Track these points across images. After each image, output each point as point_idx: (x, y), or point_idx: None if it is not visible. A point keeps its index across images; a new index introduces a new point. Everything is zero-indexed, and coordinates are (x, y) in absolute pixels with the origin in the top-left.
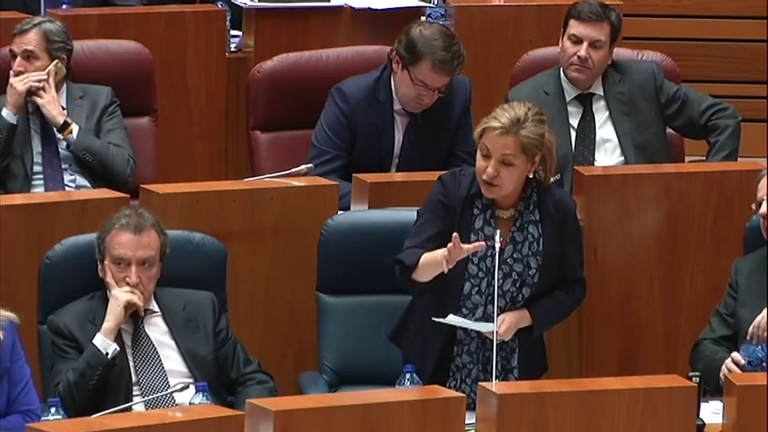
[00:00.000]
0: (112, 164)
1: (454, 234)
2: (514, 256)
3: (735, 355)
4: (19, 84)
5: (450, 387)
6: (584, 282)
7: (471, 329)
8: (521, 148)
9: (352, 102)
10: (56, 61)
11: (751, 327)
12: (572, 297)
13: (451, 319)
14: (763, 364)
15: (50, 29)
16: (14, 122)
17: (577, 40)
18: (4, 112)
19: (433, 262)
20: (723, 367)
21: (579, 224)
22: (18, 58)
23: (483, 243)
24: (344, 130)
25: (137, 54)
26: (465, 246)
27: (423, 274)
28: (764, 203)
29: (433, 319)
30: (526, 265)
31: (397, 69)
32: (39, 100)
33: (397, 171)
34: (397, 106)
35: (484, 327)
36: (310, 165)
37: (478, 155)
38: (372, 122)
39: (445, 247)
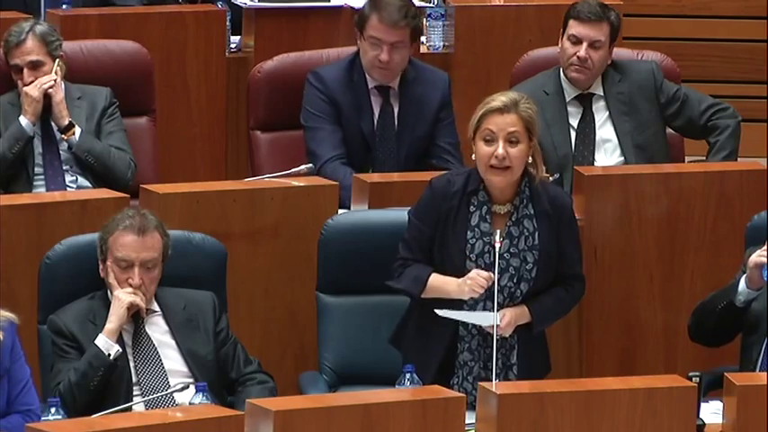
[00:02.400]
0: (114, 167)
1: (474, 273)
2: (511, 250)
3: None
4: (33, 90)
5: (453, 384)
6: (583, 278)
7: (472, 325)
8: (524, 124)
9: (329, 82)
10: (57, 60)
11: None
12: (571, 294)
13: (452, 311)
14: None
15: (44, 31)
16: (31, 134)
17: (577, 41)
18: (23, 122)
19: (443, 290)
20: (749, 264)
21: (576, 221)
22: (25, 71)
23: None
24: (328, 106)
25: (135, 54)
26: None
27: (431, 295)
28: None
29: (436, 311)
30: (523, 260)
31: (359, 44)
32: (54, 98)
33: (377, 149)
34: (371, 85)
35: (484, 318)
36: (310, 165)
37: (480, 144)
38: (351, 101)
39: (438, 251)
